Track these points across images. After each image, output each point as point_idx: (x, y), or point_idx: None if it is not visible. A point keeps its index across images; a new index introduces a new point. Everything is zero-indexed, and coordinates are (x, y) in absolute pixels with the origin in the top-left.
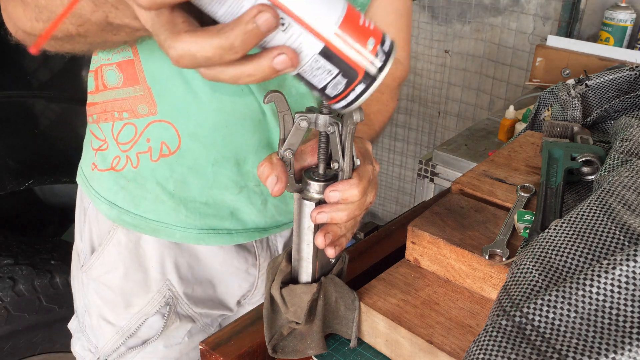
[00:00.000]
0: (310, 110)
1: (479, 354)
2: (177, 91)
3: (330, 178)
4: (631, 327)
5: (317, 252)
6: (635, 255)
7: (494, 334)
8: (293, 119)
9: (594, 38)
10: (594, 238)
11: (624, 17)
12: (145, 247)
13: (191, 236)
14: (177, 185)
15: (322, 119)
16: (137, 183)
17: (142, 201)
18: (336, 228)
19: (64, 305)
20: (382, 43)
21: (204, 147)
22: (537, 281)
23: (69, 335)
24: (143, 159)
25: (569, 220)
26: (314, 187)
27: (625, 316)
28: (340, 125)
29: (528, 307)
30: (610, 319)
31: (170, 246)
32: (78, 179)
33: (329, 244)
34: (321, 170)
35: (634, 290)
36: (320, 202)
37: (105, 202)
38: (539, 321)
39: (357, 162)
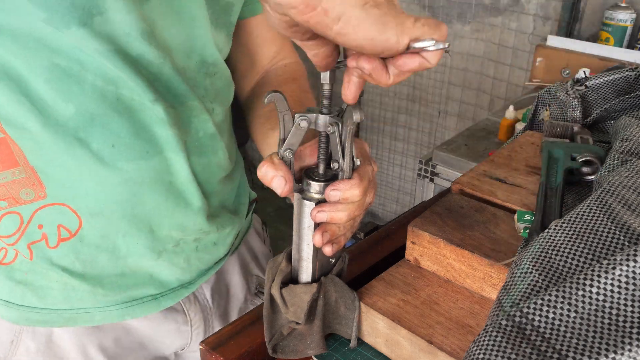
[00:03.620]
0: (310, 110)
1: (478, 353)
2: (68, 168)
3: (330, 178)
4: (631, 327)
5: (317, 252)
6: (635, 255)
7: (494, 333)
8: (293, 119)
9: (594, 38)
10: (593, 238)
11: (624, 17)
12: (61, 344)
13: (114, 314)
14: (86, 265)
15: (322, 119)
16: (36, 274)
17: (47, 293)
18: (334, 227)
19: None
20: None
21: (111, 222)
22: (537, 281)
23: None
24: (37, 249)
25: (569, 220)
26: (314, 187)
27: (625, 316)
28: (340, 125)
29: (528, 307)
30: (610, 319)
31: (89, 332)
32: None
33: (327, 242)
34: (321, 170)
35: (634, 290)
36: (320, 202)
37: (1, 303)
38: (539, 321)
39: (357, 162)
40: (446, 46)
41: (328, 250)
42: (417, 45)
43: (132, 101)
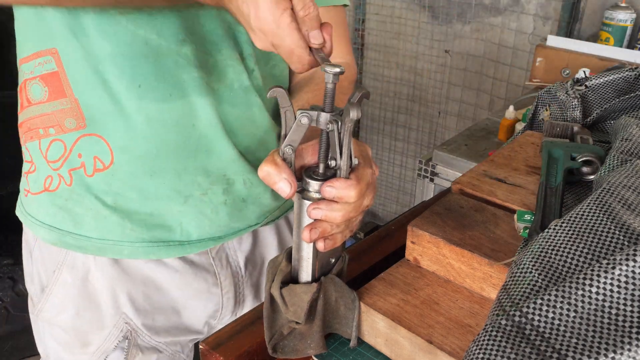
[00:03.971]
0: (313, 107)
1: (478, 353)
2: (104, 103)
3: (330, 177)
4: (631, 327)
5: (317, 252)
6: (634, 255)
7: (494, 333)
8: (295, 115)
9: (594, 38)
10: (593, 238)
11: (624, 17)
12: (95, 283)
13: (139, 250)
14: (117, 198)
15: (324, 117)
16: (74, 201)
17: (82, 220)
18: (326, 225)
19: None
20: None
21: (138, 160)
22: (536, 281)
23: None
24: (76, 175)
25: (569, 220)
26: (314, 186)
27: (624, 316)
28: (339, 123)
29: (528, 307)
30: (609, 318)
31: (121, 277)
32: (17, 212)
33: (318, 238)
34: (321, 169)
35: (633, 290)
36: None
37: (43, 226)
38: (539, 321)
39: (355, 161)
40: None
41: (321, 245)
42: None
43: (160, 46)
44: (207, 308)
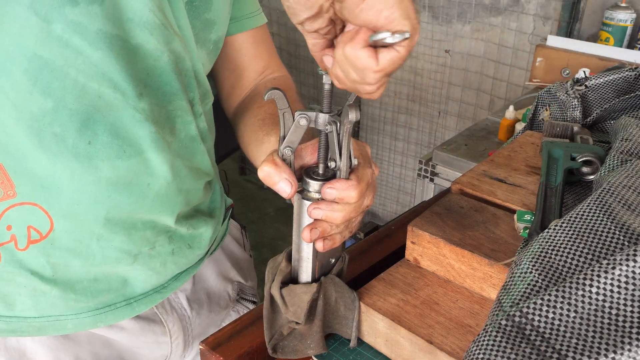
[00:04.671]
0: (311, 108)
1: (478, 353)
2: (41, 166)
3: (330, 177)
4: (631, 327)
5: (317, 252)
6: (635, 255)
7: (494, 333)
8: (293, 117)
9: (594, 38)
10: (593, 238)
11: (624, 17)
12: (35, 359)
13: (86, 321)
14: (57, 270)
15: (322, 118)
16: (3, 280)
17: (15, 299)
18: (326, 225)
19: None
20: None
21: (84, 225)
22: (536, 281)
23: None
24: (5, 251)
25: (569, 220)
26: (313, 185)
27: (625, 316)
28: (338, 124)
29: (528, 307)
30: (610, 318)
31: (65, 346)
32: None
33: (318, 238)
34: (321, 169)
35: (633, 290)
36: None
37: None
38: (539, 321)
39: (355, 161)
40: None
41: (320, 246)
42: (379, 37)
43: (115, 100)
44: (155, 354)
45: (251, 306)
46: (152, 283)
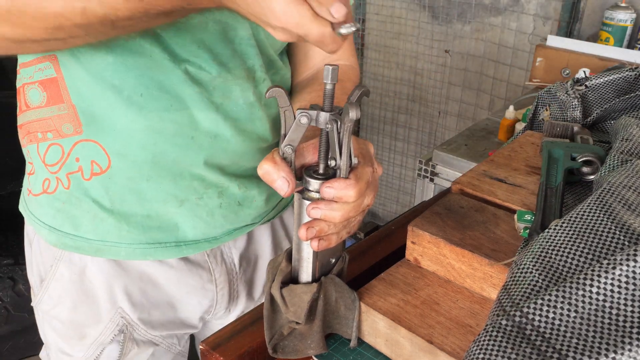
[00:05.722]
0: (312, 107)
1: (479, 353)
2: (102, 110)
3: (331, 176)
4: (631, 327)
5: (317, 252)
6: (635, 255)
7: (494, 333)
8: (294, 115)
9: (594, 38)
10: (594, 238)
11: (624, 17)
12: (91, 278)
13: (137, 252)
14: (114, 201)
15: (323, 116)
16: (72, 204)
17: (80, 222)
18: (323, 224)
19: None
20: None
21: (135, 165)
22: (537, 281)
23: None
24: (74, 179)
25: (569, 220)
26: (314, 185)
27: (625, 316)
28: (338, 123)
29: (528, 307)
30: (610, 319)
31: (118, 273)
32: (20, 207)
33: (315, 237)
34: (322, 168)
35: (634, 290)
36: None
37: (44, 226)
38: (539, 321)
39: (355, 160)
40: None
41: (314, 245)
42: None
43: (164, 60)
44: (202, 304)
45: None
46: (202, 231)
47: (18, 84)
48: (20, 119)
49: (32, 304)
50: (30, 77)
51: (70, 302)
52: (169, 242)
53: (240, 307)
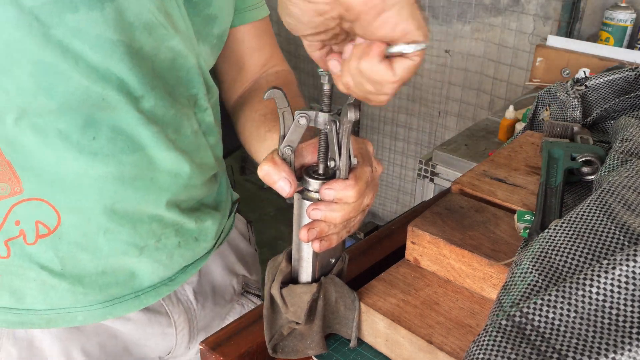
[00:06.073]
0: (311, 107)
1: (478, 354)
2: (46, 162)
3: (330, 177)
4: (631, 327)
5: (317, 252)
6: (635, 255)
7: (494, 333)
8: (293, 116)
9: (594, 38)
10: (593, 238)
11: (624, 17)
12: (43, 348)
13: (96, 314)
14: (66, 263)
15: (322, 117)
16: (13, 274)
17: (25, 293)
18: (324, 225)
19: None
20: None
21: (90, 220)
22: (536, 281)
23: None
24: (15, 245)
25: (569, 220)
26: (313, 185)
27: (625, 316)
28: (337, 123)
29: (528, 307)
30: (610, 319)
31: (73, 336)
32: None
33: (314, 239)
34: (321, 168)
35: (633, 290)
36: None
37: None
38: (539, 321)
39: (354, 161)
40: (423, 46)
41: (316, 246)
42: (395, 50)
43: (119, 102)
44: (160, 347)
45: (256, 300)
46: (160, 275)
47: None
48: None
49: None
50: None
51: None
52: (127, 294)
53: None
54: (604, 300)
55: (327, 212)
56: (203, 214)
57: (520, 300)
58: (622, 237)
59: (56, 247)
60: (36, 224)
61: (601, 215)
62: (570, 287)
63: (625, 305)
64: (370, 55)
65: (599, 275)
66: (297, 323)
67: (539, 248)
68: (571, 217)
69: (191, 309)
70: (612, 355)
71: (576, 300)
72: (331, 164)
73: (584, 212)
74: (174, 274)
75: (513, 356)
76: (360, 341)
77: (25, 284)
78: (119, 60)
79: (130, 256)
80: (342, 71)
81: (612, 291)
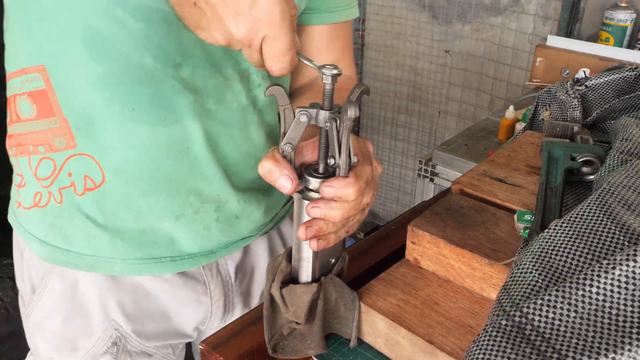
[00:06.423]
0: (311, 105)
1: (478, 354)
2: (95, 124)
3: (331, 175)
4: (631, 327)
5: (317, 252)
6: (635, 255)
7: (494, 334)
8: (294, 113)
9: (594, 38)
10: (593, 238)
11: (624, 17)
12: (84, 291)
13: (131, 267)
14: (108, 217)
15: (322, 115)
16: (64, 219)
17: (73, 237)
18: (322, 223)
19: None
20: None
21: (131, 181)
22: (537, 281)
23: None
24: (66, 194)
25: (569, 220)
26: (314, 183)
27: (625, 316)
28: (337, 121)
29: (528, 307)
30: (610, 319)
31: (111, 286)
32: (9, 218)
33: (312, 237)
34: (321, 167)
35: (633, 290)
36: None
37: (36, 240)
38: (539, 321)
39: (354, 159)
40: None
41: (314, 245)
42: None
43: (155, 70)
44: (196, 315)
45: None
46: (198, 245)
47: (8, 94)
48: (11, 129)
49: (21, 313)
50: (19, 87)
51: (63, 315)
52: (164, 257)
53: (237, 316)
54: (604, 300)
55: (327, 210)
56: (249, 197)
57: (520, 300)
58: (622, 237)
59: (100, 202)
60: (84, 178)
61: (601, 215)
62: (570, 287)
63: (625, 305)
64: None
65: (599, 275)
66: (297, 323)
67: (539, 248)
68: (571, 217)
69: (229, 283)
70: (612, 355)
71: (576, 300)
72: (331, 161)
73: (584, 212)
74: (214, 248)
75: (513, 356)
76: (360, 341)
77: (73, 229)
78: (157, 28)
79: (168, 221)
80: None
81: (612, 291)
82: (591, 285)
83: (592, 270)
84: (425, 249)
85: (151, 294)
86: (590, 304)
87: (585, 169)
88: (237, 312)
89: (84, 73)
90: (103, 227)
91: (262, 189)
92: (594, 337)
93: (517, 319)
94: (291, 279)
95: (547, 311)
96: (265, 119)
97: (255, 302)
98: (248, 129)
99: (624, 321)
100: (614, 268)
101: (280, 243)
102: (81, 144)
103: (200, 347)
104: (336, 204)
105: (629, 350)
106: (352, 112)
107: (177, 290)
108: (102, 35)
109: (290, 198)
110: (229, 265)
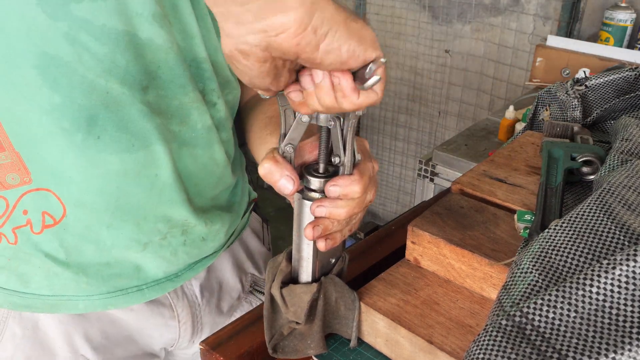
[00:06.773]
0: None
1: (478, 353)
2: (53, 157)
3: (331, 175)
4: (631, 327)
5: (317, 252)
6: (635, 255)
7: (494, 333)
8: (294, 113)
9: (594, 38)
10: (594, 238)
11: (624, 17)
12: (47, 331)
13: (97, 303)
14: (70, 253)
15: (324, 115)
16: (19, 260)
17: (31, 278)
18: (328, 222)
19: None
20: None
21: (95, 213)
22: (537, 281)
23: None
24: (22, 233)
25: (569, 220)
26: (315, 183)
27: (625, 316)
28: (341, 119)
29: (528, 307)
30: (610, 318)
31: (76, 321)
32: None
33: (319, 237)
34: (321, 167)
35: (634, 290)
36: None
37: None
38: (539, 321)
39: (358, 157)
40: (383, 61)
41: (321, 245)
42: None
43: (122, 95)
44: (164, 338)
45: (264, 298)
46: (164, 270)
47: None
48: None
49: None
50: None
51: (25, 359)
52: (130, 287)
53: (205, 336)
54: (604, 300)
55: (332, 209)
56: (213, 216)
57: (520, 300)
58: (622, 237)
59: (61, 238)
60: (42, 214)
61: (601, 215)
62: (571, 287)
63: (625, 305)
64: (347, 93)
65: (599, 275)
66: (297, 323)
67: (539, 248)
68: (571, 217)
69: (196, 304)
70: (612, 355)
71: (576, 300)
72: (335, 160)
73: (584, 212)
74: (179, 270)
75: (513, 356)
76: (360, 341)
77: (31, 269)
78: (123, 52)
79: (134, 251)
80: (308, 98)
81: (612, 291)
82: (591, 285)
83: (592, 270)
84: (426, 249)
85: (117, 322)
86: (590, 303)
87: (585, 169)
88: (207, 332)
89: (37, 103)
90: (65, 264)
91: (223, 206)
92: (594, 337)
93: (517, 318)
94: (291, 279)
95: (548, 311)
96: (222, 136)
97: (227, 319)
98: (212, 147)
99: (624, 321)
100: (614, 268)
101: (243, 254)
102: (38, 179)
103: (200, 347)
104: (341, 202)
105: (629, 350)
106: (358, 110)
107: (144, 318)
108: (61, 62)
109: (248, 209)
110: (194, 285)
